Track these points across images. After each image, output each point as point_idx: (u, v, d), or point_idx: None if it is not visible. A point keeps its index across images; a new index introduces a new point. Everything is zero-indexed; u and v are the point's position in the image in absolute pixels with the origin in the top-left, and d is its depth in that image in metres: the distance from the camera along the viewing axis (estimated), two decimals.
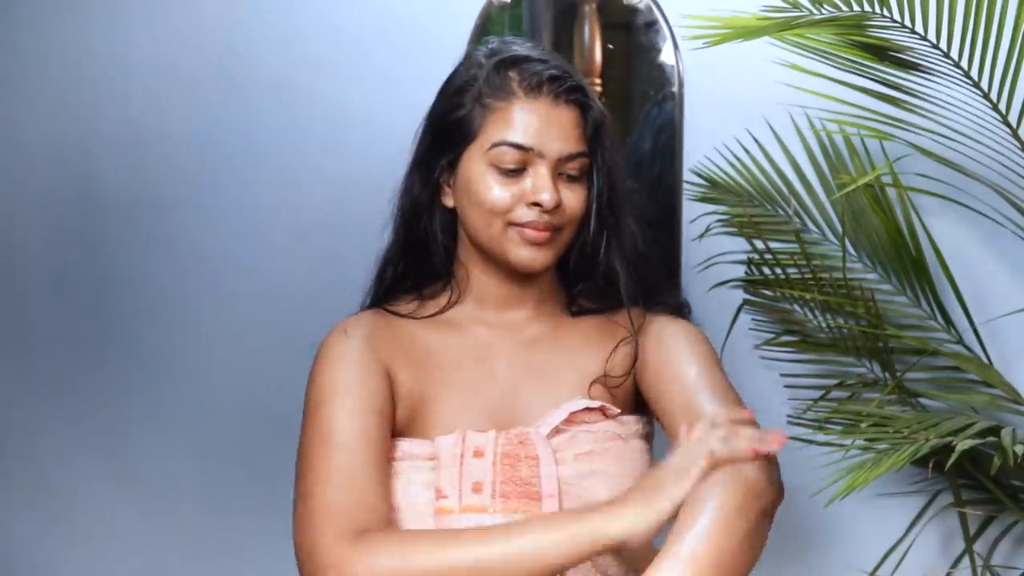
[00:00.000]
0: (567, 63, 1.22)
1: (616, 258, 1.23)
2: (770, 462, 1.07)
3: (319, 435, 1.12)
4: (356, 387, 1.13)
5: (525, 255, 1.17)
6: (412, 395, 1.17)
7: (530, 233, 1.15)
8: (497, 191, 1.15)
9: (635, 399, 1.24)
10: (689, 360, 1.19)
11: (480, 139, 1.17)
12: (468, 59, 1.23)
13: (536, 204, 1.14)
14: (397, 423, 1.17)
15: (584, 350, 1.23)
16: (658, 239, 1.58)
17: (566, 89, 1.16)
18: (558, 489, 1.11)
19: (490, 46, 1.21)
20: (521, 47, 1.20)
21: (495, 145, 1.15)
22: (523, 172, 1.16)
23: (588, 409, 1.17)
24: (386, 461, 1.12)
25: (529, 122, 1.15)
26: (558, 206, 1.15)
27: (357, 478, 1.09)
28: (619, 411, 1.19)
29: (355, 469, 1.09)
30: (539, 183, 1.15)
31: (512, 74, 1.17)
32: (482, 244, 1.19)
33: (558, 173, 1.16)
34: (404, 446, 1.15)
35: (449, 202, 1.22)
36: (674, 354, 1.20)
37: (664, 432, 1.20)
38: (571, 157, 1.16)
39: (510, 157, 1.15)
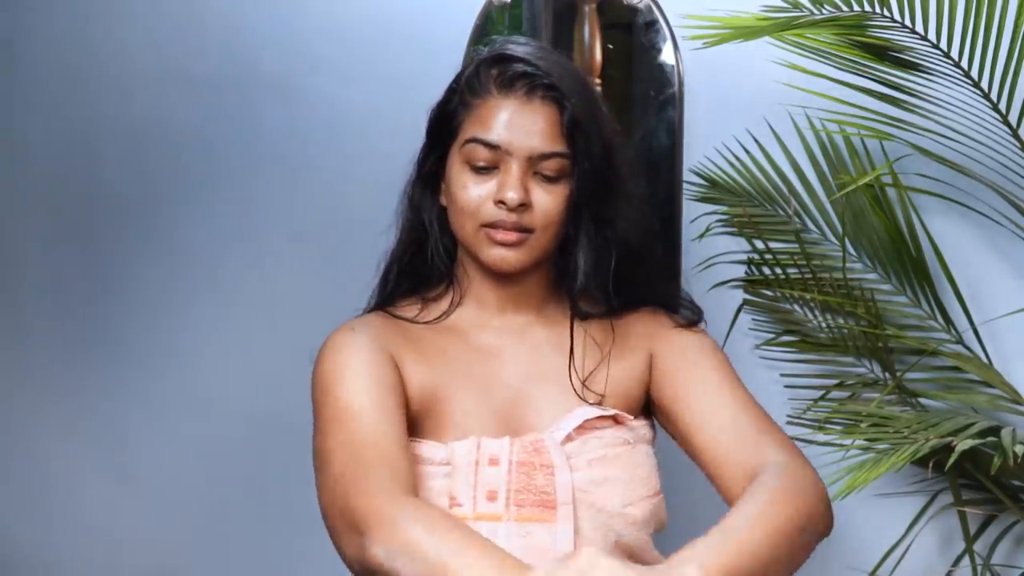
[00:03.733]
0: (563, 60, 1.20)
1: (583, 261, 1.19)
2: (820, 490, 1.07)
3: (333, 413, 1.09)
4: (367, 367, 1.11)
5: (494, 255, 1.14)
6: (424, 392, 1.15)
7: (498, 234, 1.13)
8: (469, 190, 1.14)
9: (642, 404, 1.22)
10: (720, 379, 1.18)
11: (459, 137, 1.16)
12: (470, 58, 1.22)
13: (502, 202, 1.12)
14: (410, 418, 1.14)
15: (588, 355, 1.20)
16: (658, 240, 1.58)
17: (539, 86, 1.13)
18: (572, 497, 1.10)
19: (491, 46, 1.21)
20: (518, 46, 1.18)
21: (467, 142, 1.14)
22: (495, 171, 1.14)
23: (601, 416, 1.15)
24: (405, 432, 1.09)
25: (499, 119, 1.13)
26: (525, 205, 1.12)
27: (380, 443, 1.05)
28: (632, 417, 1.18)
29: (378, 436, 1.06)
30: (506, 181, 1.12)
31: (492, 72, 1.15)
32: (463, 244, 1.18)
33: (533, 172, 1.14)
34: (418, 449, 1.12)
35: (443, 201, 1.21)
36: (700, 369, 1.19)
37: (678, 444, 1.20)
38: (544, 156, 1.13)
39: (480, 154, 1.13)
